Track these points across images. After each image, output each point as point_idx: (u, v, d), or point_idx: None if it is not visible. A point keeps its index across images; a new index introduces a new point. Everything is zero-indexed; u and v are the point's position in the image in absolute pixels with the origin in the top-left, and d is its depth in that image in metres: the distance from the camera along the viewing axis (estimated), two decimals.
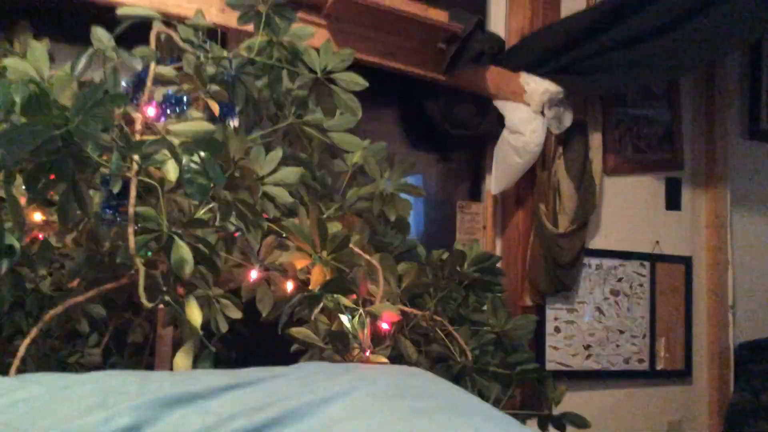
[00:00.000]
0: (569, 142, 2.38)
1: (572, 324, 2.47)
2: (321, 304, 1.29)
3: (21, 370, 0.99)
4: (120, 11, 1.23)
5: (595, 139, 2.46)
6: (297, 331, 1.31)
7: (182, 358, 1.07)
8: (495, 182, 2.29)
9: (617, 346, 2.56)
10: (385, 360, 1.35)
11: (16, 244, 0.93)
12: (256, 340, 1.49)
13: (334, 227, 1.39)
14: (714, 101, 2.82)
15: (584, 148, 2.40)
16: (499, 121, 2.25)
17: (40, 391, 0.69)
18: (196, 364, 1.12)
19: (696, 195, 2.81)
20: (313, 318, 1.31)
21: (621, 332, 2.58)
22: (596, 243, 2.56)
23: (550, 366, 2.40)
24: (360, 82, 1.40)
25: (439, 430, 0.70)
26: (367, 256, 1.42)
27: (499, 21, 2.44)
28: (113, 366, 1.29)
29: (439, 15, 1.97)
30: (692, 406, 2.74)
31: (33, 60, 1.04)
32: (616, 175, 2.62)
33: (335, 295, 1.30)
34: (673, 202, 2.76)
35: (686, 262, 2.75)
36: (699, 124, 2.85)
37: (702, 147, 2.83)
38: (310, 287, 1.30)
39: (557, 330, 2.44)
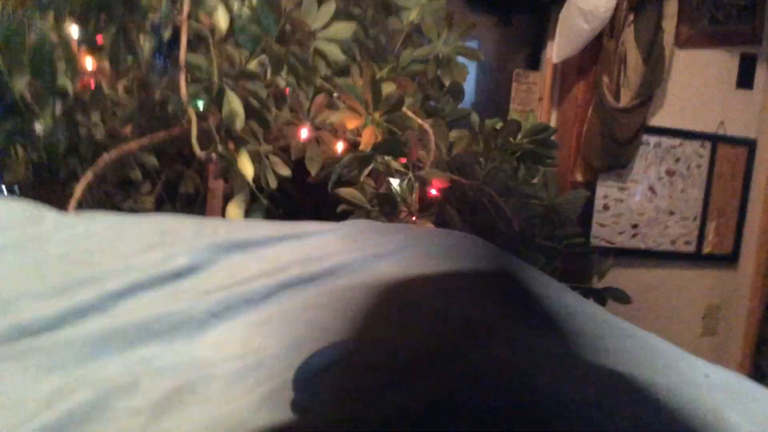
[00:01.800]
0: (642, 9, 2.20)
1: (622, 202, 2.43)
2: (371, 166, 1.28)
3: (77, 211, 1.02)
4: None
5: (670, 6, 2.27)
6: (345, 192, 1.30)
7: (234, 209, 1.08)
8: (557, 49, 2.15)
9: (666, 227, 2.52)
10: (430, 225, 1.35)
11: (69, 86, 0.92)
12: (303, 199, 1.50)
13: (388, 88, 1.35)
14: None
15: (657, 15, 2.22)
16: None
17: (99, 228, 0.70)
18: (247, 216, 1.14)
19: None
20: (361, 180, 1.30)
21: (671, 213, 2.52)
22: (657, 120, 2.44)
23: (595, 242, 2.38)
24: None
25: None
26: (420, 121, 1.38)
27: None
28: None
29: None
30: (735, 291, 2.72)
31: None
32: (689, 47, 2.44)
33: (386, 158, 1.28)
34: (745, 79, 2.58)
35: (750, 145, 2.62)
36: None
37: None
38: (360, 148, 1.28)
39: (606, 207, 2.40)
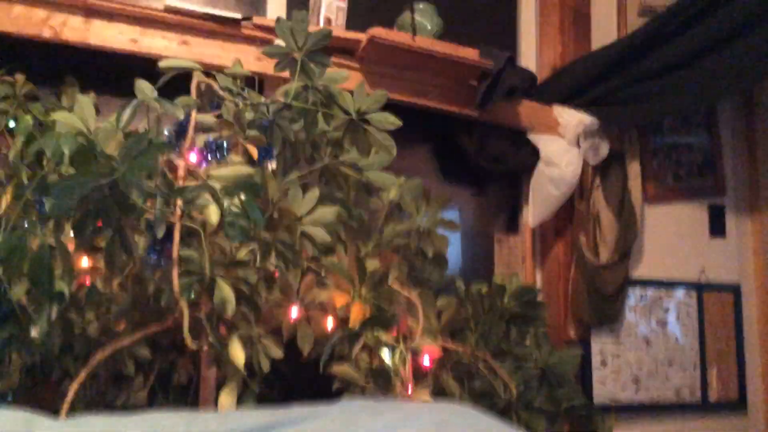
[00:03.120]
0: (607, 172, 2.35)
1: (619, 357, 2.41)
2: (361, 341, 1.30)
3: (69, 414, 1.02)
4: (162, 63, 1.28)
5: (633, 168, 2.43)
6: (338, 369, 1.31)
7: (226, 398, 1.08)
8: (532, 214, 2.27)
9: (666, 378, 2.48)
10: (427, 396, 1.34)
11: (66, 290, 0.96)
12: (297, 379, 1.49)
13: (372, 264, 1.40)
14: (755, 124, 2.76)
15: (622, 177, 2.37)
16: (534, 154, 2.25)
17: None
18: (239, 403, 1.13)
19: (741, 221, 2.74)
20: (353, 355, 1.31)
21: (670, 364, 2.50)
22: (640, 273, 2.50)
23: (597, 400, 2.33)
24: (394, 121, 1.42)
25: None
26: (406, 292, 1.42)
27: (529, 56, 2.46)
28: (159, 406, 1.30)
29: (469, 53, 2.00)
30: None
31: (80, 113, 1.09)
32: (657, 203, 2.57)
33: (376, 332, 1.31)
34: (717, 229, 2.69)
35: (734, 289, 2.67)
36: (740, 149, 2.79)
37: (745, 172, 2.77)
38: (350, 324, 1.31)
39: (603, 363, 2.38)
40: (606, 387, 2.36)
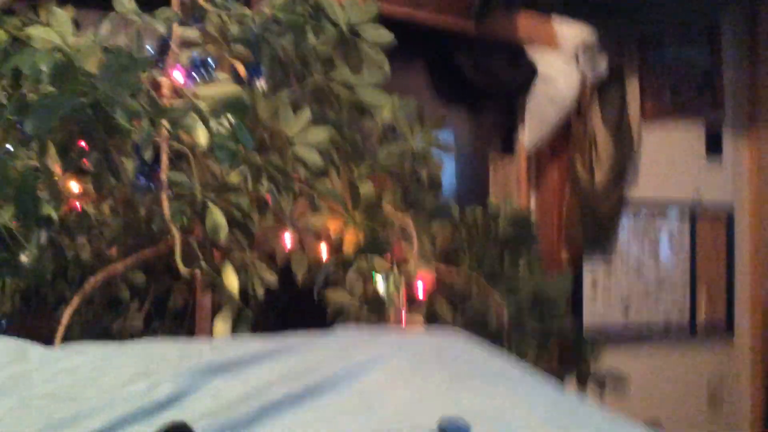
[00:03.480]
0: (605, 90, 2.30)
1: (610, 280, 2.44)
2: (356, 267, 1.29)
3: (66, 338, 1.01)
4: None
5: (632, 86, 2.37)
6: (332, 295, 1.31)
7: (221, 324, 1.08)
8: (529, 135, 2.23)
9: (656, 302, 2.51)
10: (420, 320, 1.35)
11: (54, 214, 0.93)
12: (292, 304, 1.50)
13: (366, 188, 1.38)
14: (758, 40, 2.69)
15: (621, 95, 2.32)
16: (532, 71, 2.18)
17: (83, 361, 0.70)
18: (234, 328, 1.13)
19: (738, 140, 2.71)
20: (348, 281, 1.31)
21: (660, 286, 2.53)
22: (634, 193, 2.49)
23: (588, 320, 2.37)
24: (385, 35, 1.36)
25: (477, 396, 0.69)
26: (400, 217, 1.41)
27: None
28: (155, 331, 1.31)
29: None
30: (734, 363, 2.69)
31: (58, 28, 1.03)
32: (655, 121, 2.53)
33: (370, 257, 1.30)
34: (713, 147, 2.67)
35: (728, 211, 2.67)
36: (742, 66, 2.72)
37: (744, 90, 2.72)
38: (343, 249, 1.29)
39: (595, 286, 2.41)
40: (596, 311, 2.40)
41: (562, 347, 1.67)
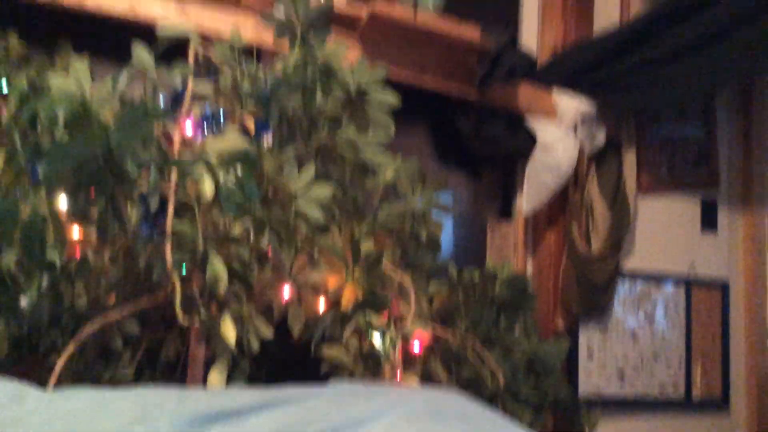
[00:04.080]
0: (602, 161, 2.34)
1: (605, 349, 2.42)
2: (353, 324, 1.28)
3: (56, 387, 1.00)
4: (159, 29, 1.25)
5: (629, 158, 2.42)
6: (329, 352, 1.30)
7: (216, 376, 1.07)
8: (527, 201, 2.26)
9: (652, 373, 2.49)
10: (415, 380, 1.34)
11: (57, 261, 0.93)
12: (286, 360, 1.48)
13: (367, 246, 1.39)
14: (751, 119, 2.76)
15: (618, 166, 2.36)
16: (531, 139, 2.23)
17: (80, 405, 0.69)
18: (228, 382, 1.12)
19: (733, 216, 2.75)
20: (345, 337, 1.30)
21: (656, 358, 2.51)
22: (630, 265, 2.50)
23: (583, 389, 2.34)
24: (392, 100, 1.40)
25: None
26: (399, 276, 1.41)
27: (531, 37, 2.43)
28: (146, 382, 1.29)
29: (471, 32, 1.97)
30: None
31: (75, 77, 1.05)
32: (651, 194, 2.57)
33: (367, 314, 1.29)
34: (709, 223, 2.70)
35: (723, 286, 2.68)
36: (736, 143, 2.78)
37: (739, 166, 2.77)
38: (342, 306, 1.29)
39: (590, 355, 2.39)
40: (591, 380, 2.38)
41: (557, 414, 1.64)
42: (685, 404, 2.54)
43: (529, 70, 2.22)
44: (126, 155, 0.98)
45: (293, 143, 1.46)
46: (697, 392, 2.57)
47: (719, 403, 2.62)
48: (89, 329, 1.01)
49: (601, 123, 2.28)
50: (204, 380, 1.13)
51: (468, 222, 2.33)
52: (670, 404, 2.51)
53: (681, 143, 2.64)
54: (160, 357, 1.33)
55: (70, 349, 0.99)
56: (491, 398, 1.47)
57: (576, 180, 2.32)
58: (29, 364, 1.16)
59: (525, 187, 2.26)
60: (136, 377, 1.29)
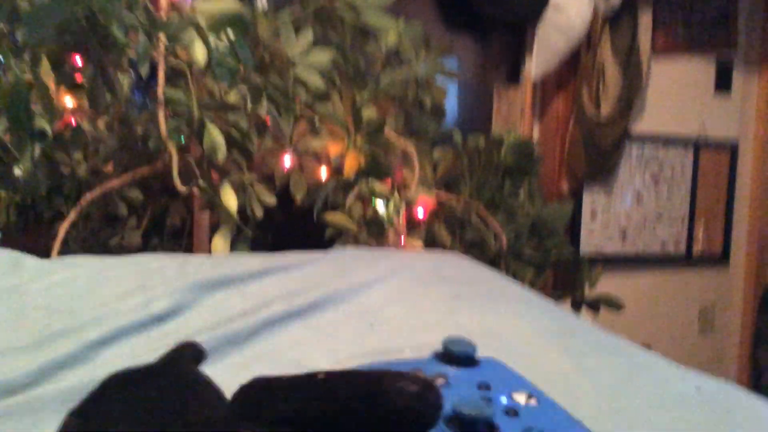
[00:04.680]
0: (616, 21, 2.23)
1: (609, 209, 2.44)
2: (356, 190, 1.28)
3: (63, 253, 1.01)
4: None
5: (645, 19, 2.30)
6: (331, 217, 1.31)
7: (220, 242, 1.08)
8: (536, 66, 2.18)
9: (654, 231, 2.53)
10: (419, 244, 1.36)
11: (47, 128, 0.92)
12: (290, 226, 1.50)
13: (369, 113, 1.36)
14: None
15: (632, 27, 2.25)
16: (543, 1, 2.11)
17: (79, 274, 0.70)
18: (233, 247, 1.14)
19: (748, 78, 2.66)
20: (348, 204, 1.30)
21: (659, 216, 2.54)
22: (639, 127, 2.46)
23: (584, 249, 2.39)
24: None
25: (477, 314, 0.70)
26: (402, 143, 1.39)
27: None
28: (153, 248, 1.31)
29: None
30: (727, 291, 2.73)
31: None
32: (665, 55, 2.47)
33: (370, 181, 1.29)
34: (722, 84, 2.62)
35: (732, 146, 2.65)
36: (757, 3, 2.63)
37: (759, 27, 2.64)
38: (344, 173, 1.28)
39: (594, 215, 2.41)
40: (594, 239, 2.41)
41: (558, 272, 1.68)
42: (686, 259, 2.60)
43: None
44: (110, 18, 0.93)
45: (289, 5, 1.38)
46: (697, 249, 2.62)
47: (719, 259, 2.68)
48: (90, 196, 1.01)
49: None
50: (209, 245, 1.15)
51: (474, 87, 2.27)
52: (670, 260, 2.57)
53: (699, 2, 2.50)
54: (166, 224, 1.34)
55: (72, 216, 1.00)
56: (494, 260, 1.50)
57: (588, 42, 2.22)
58: (35, 231, 1.18)
59: (535, 50, 2.17)
60: (143, 245, 1.31)
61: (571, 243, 1.82)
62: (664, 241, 2.55)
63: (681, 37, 2.49)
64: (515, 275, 1.50)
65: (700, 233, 2.61)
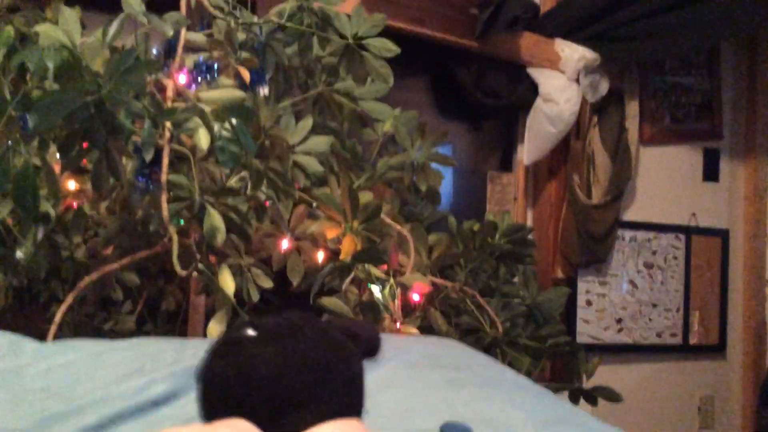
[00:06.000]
0: (605, 111, 2.32)
1: (604, 297, 2.44)
2: (352, 275, 1.29)
3: (57, 337, 1.01)
4: None
5: (632, 108, 2.39)
6: (328, 301, 1.30)
7: (216, 326, 1.07)
8: (528, 152, 2.24)
9: (650, 319, 2.52)
10: (415, 331, 1.35)
11: (52, 212, 0.93)
12: (287, 310, 1.49)
13: (365, 197, 1.38)
14: (756, 68, 2.71)
15: (620, 116, 2.34)
16: (533, 90, 2.20)
17: (78, 357, 0.69)
18: None
19: (735, 166, 2.73)
20: (343, 288, 1.31)
21: (654, 306, 2.53)
22: (631, 215, 2.50)
23: (581, 339, 2.37)
24: (392, 48, 1.36)
25: (473, 400, 0.69)
26: (398, 227, 1.41)
27: None
28: (147, 333, 1.30)
29: None
30: (726, 381, 2.69)
31: (65, 26, 1.03)
32: (653, 145, 2.55)
33: (366, 266, 1.30)
34: (710, 173, 2.69)
35: (723, 234, 2.69)
36: (740, 93, 2.74)
37: (743, 116, 2.74)
38: (340, 257, 1.29)
39: (589, 303, 2.41)
40: (589, 326, 2.40)
41: (555, 362, 1.67)
42: (682, 349, 2.58)
43: (531, 19, 2.18)
44: (118, 105, 0.97)
45: (290, 95, 1.44)
46: (694, 339, 2.60)
47: (716, 349, 2.66)
48: (88, 279, 1.02)
49: (603, 73, 2.24)
50: (204, 330, 1.14)
51: (468, 173, 2.32)
52: (667, 349, 2.55)
53: (685, 93, 2.61)
54: (161, 307, 1.34)
55: (69, 299, 1.00)
56: (490, 346, 1.48)
57: (578, 130, 2.30)
58: (31, 314, 1.17)
59: (526, 138, 2.24)
60: (138, 329, 1.30)
61: (567, 331, 1.82)
62: (661, 330, 2.54)
63: (668, 127, 2.58)
64: (511, 363, 1.48)
65: (695, 323, 2.60)
